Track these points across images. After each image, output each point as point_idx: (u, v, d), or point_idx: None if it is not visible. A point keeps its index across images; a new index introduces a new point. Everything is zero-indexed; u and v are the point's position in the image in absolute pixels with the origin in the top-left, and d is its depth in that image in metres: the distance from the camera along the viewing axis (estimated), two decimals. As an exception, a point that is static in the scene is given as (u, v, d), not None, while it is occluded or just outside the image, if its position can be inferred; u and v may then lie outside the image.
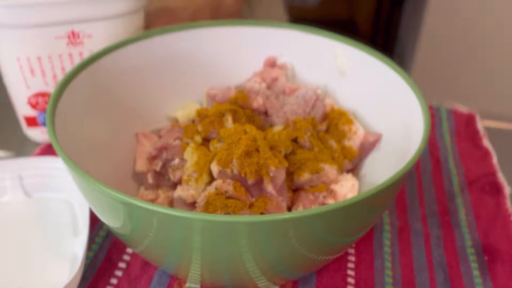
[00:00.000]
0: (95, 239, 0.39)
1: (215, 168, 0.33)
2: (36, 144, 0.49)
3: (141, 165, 0.39)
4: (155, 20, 0.51)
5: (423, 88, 0.37)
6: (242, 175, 0.32)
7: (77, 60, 0.44)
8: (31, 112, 0.47)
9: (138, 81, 0.42)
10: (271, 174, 0.33)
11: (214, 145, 0.35)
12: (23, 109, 0.47)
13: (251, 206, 0.33)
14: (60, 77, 0.44)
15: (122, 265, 0.37)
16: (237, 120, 0.38)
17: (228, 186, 0.32)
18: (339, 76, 0.43)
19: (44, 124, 0.48)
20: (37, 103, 0.46)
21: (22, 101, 0.46)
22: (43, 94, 0.45)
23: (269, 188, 0.33)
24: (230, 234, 0.26)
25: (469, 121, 0.54)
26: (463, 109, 0.55)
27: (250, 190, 0.33)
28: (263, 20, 0.44)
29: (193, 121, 0.42)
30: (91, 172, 0.30)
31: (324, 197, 0.35)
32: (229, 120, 0.38)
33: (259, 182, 0.33)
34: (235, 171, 0.32)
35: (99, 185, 0.27)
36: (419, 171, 0.47)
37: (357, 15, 1.40)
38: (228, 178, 0.33)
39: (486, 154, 0.49)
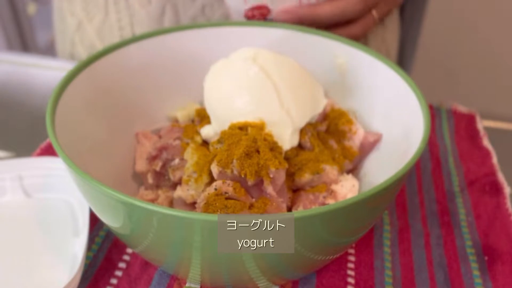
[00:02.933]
0: (95, 239, 0.39)
1: (215, 168, 0.33)
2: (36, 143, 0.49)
3: (141, 165, 0.39)
4: None
5: (423, 88, 0.37)
6: (242, 176, 0.32)
7: None
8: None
9: (138, 81, 0.42)
10: (271, 175, 0.33)
11: (214, 146, 0.35)
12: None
13: (251, 207, 0.33)
14: None
15: (122, 265, 0.37)
16: (237, 120, 0.38)
17: (228, 187, 0.32)
18: (339, 76, 0.43)
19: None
20: (253, 16, 0.47)
21: (239, 14, 0.48)
22: (259, 8, 0.47)
23: (269, 189, 0.33)
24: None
25: (469, 121, 0.54)
26: (463, 109, 0.55)
27: (250, 191, 0.33)
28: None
29: (193, 121, 0.42)
30: (91, 172, 0.30)
31: (324, 197, 0.35)
32: (229, 120, 0.38)
33: (259, 183, 0.33)
34: (235, 172, 0.32)
35: (99, 185, 0.27)
36: (419, 171, 0.47)
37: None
38: (228, 178, 0.33)
39: (486, 154, 0.49)
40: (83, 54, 0.66)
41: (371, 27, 0.50)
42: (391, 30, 0.68)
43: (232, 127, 0.35)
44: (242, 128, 0.35)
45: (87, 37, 0.65)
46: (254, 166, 0.32)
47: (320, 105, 0.37)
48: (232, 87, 0.35)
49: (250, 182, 0.32)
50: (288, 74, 0.36)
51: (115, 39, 0.63)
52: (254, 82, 0.34)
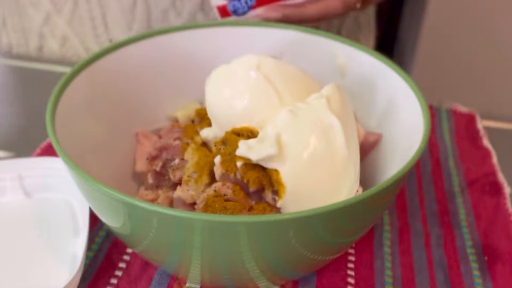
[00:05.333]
0: (95, 239, 0.39)
1: (218, 170, 0.33)
2: (36, 143, 0.49)
3: (141, 165, 0.39)
4: None
5: (423, 88, 0.37)
6: (245, 181, 0.32)
7: None
8: (223, 1, 0.47)
9: (138, 81, 0.42)
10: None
11: (217, 146, 0.35)
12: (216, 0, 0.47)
13: (250, 209, 0.33)
14: None
15: (122, 265, 0.37)
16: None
17: (227, 189, 0.32)
18: (339, 76, 0.43)
19: (234, 12, 0.47)
20: None
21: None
22: None
23: (269, 197, 0.33)
24: (230, 234, 0.26)
25: (469, 121, 0.54)
26: (463, 109, 0.55)
27: (250, 195, 0.33)
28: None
29: (193, 121, 0.42)
30: (91, 172, 0.30)
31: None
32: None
33: (260, 191, 0.33)
34: (238, 176, 0.32)
35: (99, 185, 0.27)
36: (419, 171, 0.47)
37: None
38: (230, 181, 0.33)
39: (486, 154, 0.49)
40: (55, 46, 0.66)
41: (352, 6, 0.49)
42: (366, 30, 0.69)
43: (236, 131, 0.34)
44: (244, 133, 0.34)
45: (58, 29, 0.65)
46: (257, 173, 0.32)
47: None
48: (234, 93, 0.35)
49: (252, 189, 0.32)
50: (292, 82, 0.35)
51: (87, 29, 0.63)
52: (256, 88, 0.34)
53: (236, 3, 0.47)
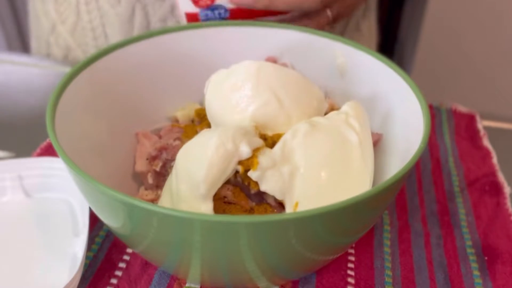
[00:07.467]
0: (95, 239, 0.39)
1: None
2: (36, 143, 0.49)
3: (141, 165, 0.39)
4: None
5: (423, 88, 0.37)
6: (246, 184, 0.32)
7: None
8: (194, 9, 0.47)
9: (138, 81, 0.42)
10: None
11: None
12: (185, 6, 0.47)
13: (251, 210, 0.33)
14: None
15: (122, 265, 0.37)
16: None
17: (226, 191, 0.32)
18: (339, 76, 0.43)
19: (205, 20, 0.47)
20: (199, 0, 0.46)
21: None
22: None
23: (270, 199, 0.33)
24: (230, 234, 0.26)
25: (469, 121, 0.54)
26: (463, 109, 0.55)
27: (251, 197, 0.33)
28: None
29: (192, 121, 0.42)
30: (91, 172, 0.30)
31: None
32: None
33: (262, 192, 0.33)
34: (239, 179, 0.32)
35: (99, 185, 0.27)
36: (419, 171, 0.47)
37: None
38: (230, 183, 0.33)
39: (486, 154, 0.49)
40: (59, 55, 0.67)
41: (325, 26, 0.50)
42: (368, 37, 0.68)
43: None
44: None
45: (61, 38, 0.65)
46: None
47: (321, 112, 0.38)
48: (233, 97, 0.35)
49: (253, 191, 0.32)
50: (291, 86, 0.35)
51: (89, 40, 0.63)
52: (256, 93, 0.34)
53: (209, 13, 0.47)
